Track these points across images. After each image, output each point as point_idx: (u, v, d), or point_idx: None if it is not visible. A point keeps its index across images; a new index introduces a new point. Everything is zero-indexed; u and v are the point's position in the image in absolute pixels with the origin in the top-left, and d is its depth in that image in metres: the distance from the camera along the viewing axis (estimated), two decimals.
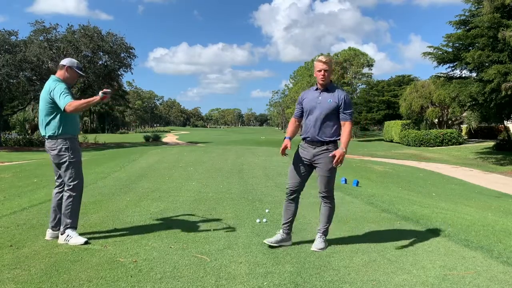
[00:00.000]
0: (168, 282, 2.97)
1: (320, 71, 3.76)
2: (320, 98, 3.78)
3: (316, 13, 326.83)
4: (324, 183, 3.78)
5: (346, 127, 3.75)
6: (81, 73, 4.11)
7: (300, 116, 3.94)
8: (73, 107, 3.76)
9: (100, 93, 3.75)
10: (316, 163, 3.77)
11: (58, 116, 3.89)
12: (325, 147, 3.73)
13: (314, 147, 3.76)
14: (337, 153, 3.60)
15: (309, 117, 3.79)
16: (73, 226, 3.93)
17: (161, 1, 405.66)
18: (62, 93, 3.79)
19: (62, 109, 3.77)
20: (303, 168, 3.82)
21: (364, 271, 3.22)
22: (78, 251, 3.63)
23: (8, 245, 3.76)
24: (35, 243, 3.84)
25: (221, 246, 3.81)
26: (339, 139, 3.79)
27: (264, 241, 3.65)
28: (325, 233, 3.84)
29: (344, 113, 3.77)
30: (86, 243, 3.78)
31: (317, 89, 3.86)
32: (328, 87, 3.81)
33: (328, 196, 3.82)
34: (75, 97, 3.90)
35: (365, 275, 3.15)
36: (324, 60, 3.76)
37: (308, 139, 3.78)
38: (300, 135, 3.95)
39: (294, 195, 3.86)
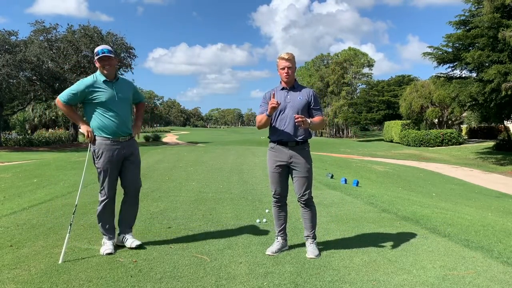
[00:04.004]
0: (168, 282, 2.97)
1: (283, 68, 3.63)
2: (288, 97, 3.65)
3: (314, 14, 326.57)
4: (304, 185, 3.65)
5: (318, 117, 3.66)
6: (100, 57, 3.55)
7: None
8: (56, 102, 3.62)
9: (85, 131, 3.58)
10: (293, 165, 3.65)
11: (88, 114, 3.66)
12: (300, 147, 3.65)
13: (289, 148, 3.63)
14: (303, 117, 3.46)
15: (280, 117, 3.62)
16: (103, 233, 3.74)
17: (160, 2, 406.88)
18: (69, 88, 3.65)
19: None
20: (282, 171, 3.69)
21: (364, 271, 3.22)
22: (78, 251, 3.63)
23: (8, 245, 3.76)
24: (35, 243, 3.84)
25: (221, 246, 3.81)
26: (309, 138, 3.72)
27: (267, 252, 3.63)
28: (315, 237, 3.75)
29: (315, 109, 3.68)
30: (107, 253, 3.54)
31: (283, 88, 3.70)
32: (294, 85, 3.71)
33: (309, 198, 3.69)
34: (76, 99, 3.61)
35: (365, 275, 3.15)
36: (286, 57, 3.61)
37: (282, 140, 3.62)
38: (269, 138, 3.76)
39: (282, 201, 3.77)
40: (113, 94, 3.63)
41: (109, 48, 3.66)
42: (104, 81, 3.64)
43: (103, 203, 3.70)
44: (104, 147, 3.62)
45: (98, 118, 3.62)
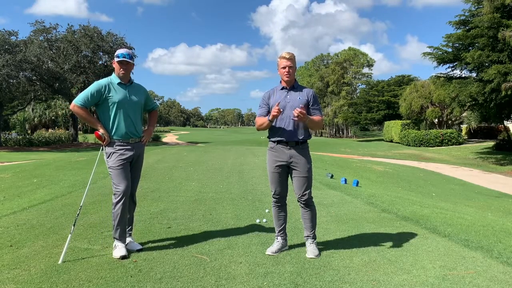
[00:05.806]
0: (168, 282, 2.97)
1: (284, 68, 3.63)
2: (288, 97, 3.66)
3: (313, 14, 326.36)
4: (304, 185, 3.64)
5: (317, 117, 3.65)
6: (120, 60, 3.65)
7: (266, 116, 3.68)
8: (72, 108, 3.67)
9: (103, 134, 3.63)
10: (293, 165, 3.65)
11: (100, 116, 3.72)
12: (300, 147, 3.65)
13: (289, 148, 3.64)
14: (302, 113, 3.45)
15: (280, 117, 3.60)
16: (116, 237, 3.61)
17: (160, 2, 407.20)
18: (83, 91, 3.71)
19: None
20: (282, 171, 3.69)
21: (364, 271, 3.22)
22: (78, 251, 3.62)
23: (8, 245, 3.76)
24: (35, 243, 3.84)
25: (221, 246, 3.81)
26: (309, 138, 3.72)
27: (267, 252, 3.63)
28: (315, 237, 3.75)
29: (314, 109, 3.68)
30: (122, 258, 3.44)
31: (283, 88, 3.72)
32: (294, 85, 3.71)
33: (309, 198, 3.68)
34: (89, 102, 3.63)
35: (365, 275, 3.15)
36: (287, 56, 3.62)
37: (283, 140, 3.63)
38: (268, 138, 3.76)
39: (282, 201, 3.78)
40: (126, 95, 3.71)
41: (130, 53, 3.79)
42: (119, 83, 3.73)
43: (120, 203, 3.60)
44: (115, 147, 3.67)
45: (110, 119, 3.68)
